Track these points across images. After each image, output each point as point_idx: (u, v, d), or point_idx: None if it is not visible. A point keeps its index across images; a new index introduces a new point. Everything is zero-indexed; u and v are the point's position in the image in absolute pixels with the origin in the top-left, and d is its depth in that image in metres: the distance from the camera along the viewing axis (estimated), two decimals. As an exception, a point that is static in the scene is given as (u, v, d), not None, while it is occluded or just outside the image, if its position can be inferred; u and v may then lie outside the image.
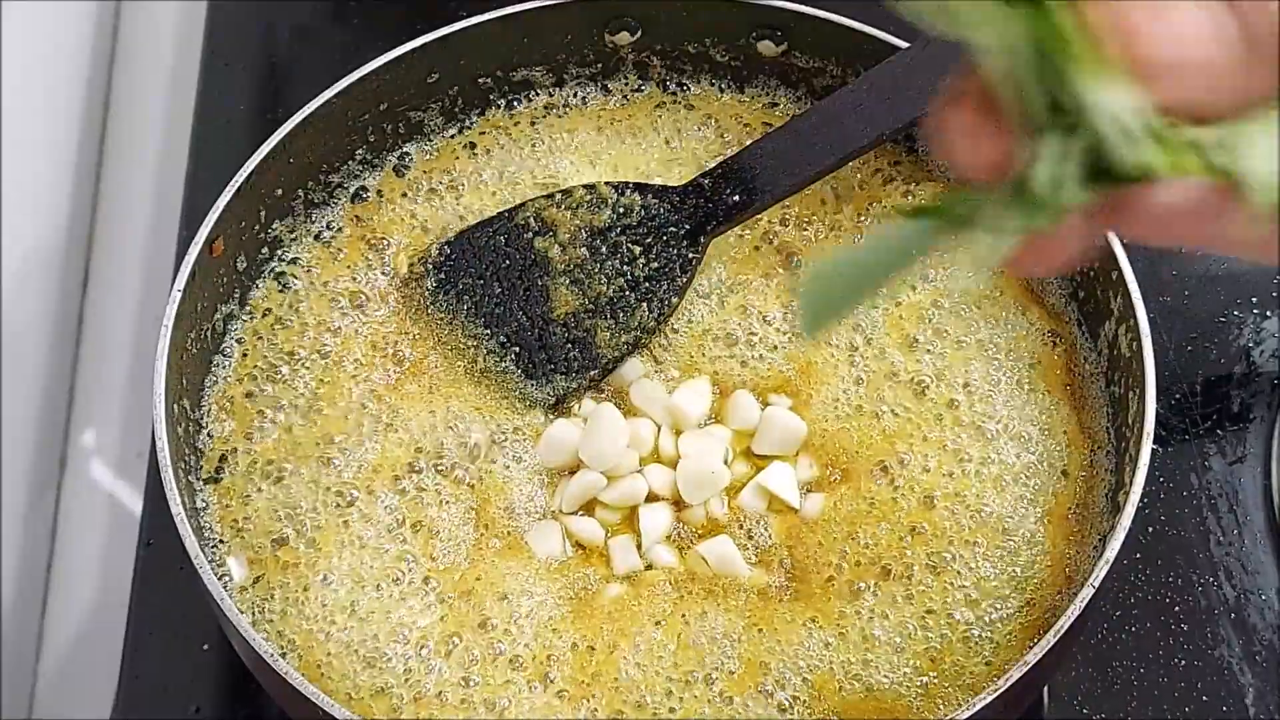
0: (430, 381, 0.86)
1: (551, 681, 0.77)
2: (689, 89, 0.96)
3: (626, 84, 0.96)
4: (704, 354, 0.87)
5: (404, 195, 0.93)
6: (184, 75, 1.21)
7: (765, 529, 0.82)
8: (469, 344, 0.87)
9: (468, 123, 0.95)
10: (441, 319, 0.88)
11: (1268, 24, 0.47)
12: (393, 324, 0.88)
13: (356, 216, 0.92)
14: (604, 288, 0.86)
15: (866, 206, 0.91)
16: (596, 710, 0.76)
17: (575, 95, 0.96)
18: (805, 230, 0.90)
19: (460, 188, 0.93)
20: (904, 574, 0.79)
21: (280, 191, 0.89)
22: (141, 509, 1.00)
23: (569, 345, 0.86)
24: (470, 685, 0.77)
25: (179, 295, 0.82)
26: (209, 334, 0.86)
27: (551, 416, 0.85)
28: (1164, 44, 0.47)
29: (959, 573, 0.79)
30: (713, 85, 0.96)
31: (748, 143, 0.90)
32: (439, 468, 0.83)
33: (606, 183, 0.88)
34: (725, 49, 0.95)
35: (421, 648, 0.78)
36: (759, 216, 0.89)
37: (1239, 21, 0.47)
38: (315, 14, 1.21)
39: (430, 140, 0.95)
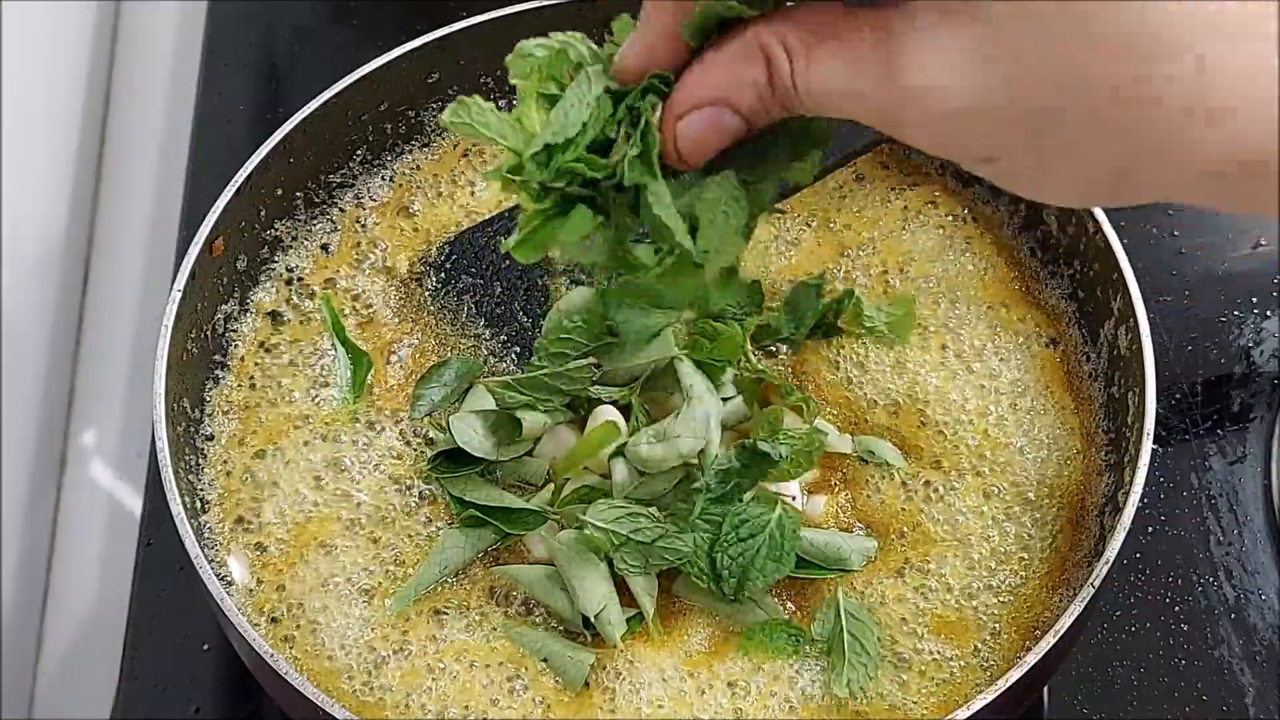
0: (430, 381, 0.86)
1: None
2: (689, 89, 0.96)
3: (626, 84, 0.96)
4: (704, 354, 0.86)
5: (404, 195, 0.93)
6: (184, 75, 1.21)
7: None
8: (469, 344, 0.87)
9: (468, 123, 0.95)
10: (441, 319, 0.88)
11: None
12: (393, 324, 0.88)
13: (356, 216, 0.92)
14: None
15: (867, 204, 0.91)
16: (611, 710, 0.76)
17: (575, 95, 0.96)
18: (806, 228, 0.90)
19: (460, 188, 0.93)
20: (902, 574, 0.79)
21: (280, 191, 0.89)
22: (141, 509, 1.00)
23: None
24: (471, 682, 0.77)
25: (179, 295, 0.82)
26: (209, 334, 0.86)
27: (551, 416, 0.85)
28: None
29: (959, 574, 0.79)
30: (713, 85, 0.96)
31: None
32: (439, 468, 0.83)
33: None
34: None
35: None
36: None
37: None
38: (315, 14, 1.21)
39: (430, 141, 0.95)
